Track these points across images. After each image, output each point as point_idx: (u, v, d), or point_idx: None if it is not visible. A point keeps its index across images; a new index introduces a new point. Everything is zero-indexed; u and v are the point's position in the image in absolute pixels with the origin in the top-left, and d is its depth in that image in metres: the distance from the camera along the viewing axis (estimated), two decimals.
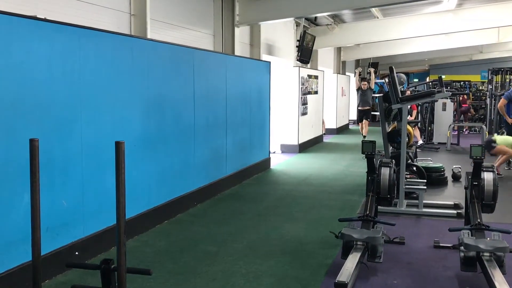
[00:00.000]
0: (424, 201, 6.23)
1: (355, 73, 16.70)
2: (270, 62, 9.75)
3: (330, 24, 14.12)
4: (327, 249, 4.76)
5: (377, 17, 13.93)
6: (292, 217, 6.01)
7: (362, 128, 14.56)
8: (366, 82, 14.35)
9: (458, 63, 25.64)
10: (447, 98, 12.94)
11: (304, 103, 12.52)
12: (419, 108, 13.59)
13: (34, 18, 3.90)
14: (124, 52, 4.95)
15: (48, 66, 3.95)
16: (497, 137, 8.74)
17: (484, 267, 3.76)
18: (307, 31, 13.13)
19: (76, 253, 4.25)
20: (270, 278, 4.07)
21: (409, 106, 10.87)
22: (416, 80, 28.24)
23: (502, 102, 9.54)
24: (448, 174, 8.25)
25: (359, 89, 14.47)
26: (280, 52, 12.29)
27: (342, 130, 18.08)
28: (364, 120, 14.50)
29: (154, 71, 5.47)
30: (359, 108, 14.46)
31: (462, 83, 23.66)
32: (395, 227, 4.85)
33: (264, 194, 7.37)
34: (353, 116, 21.16)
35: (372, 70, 15.45)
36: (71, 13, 5.38)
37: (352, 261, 3.90)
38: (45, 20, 4.03)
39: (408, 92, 10.23)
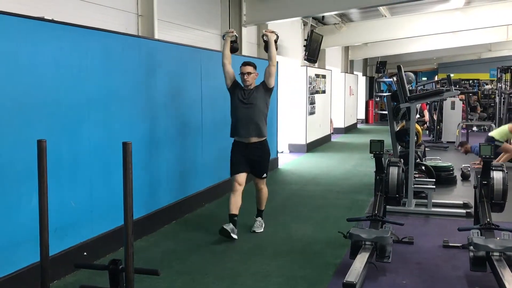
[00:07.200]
0: (433, 201, 6.20)
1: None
2: (277, 62, 9.71)
3: (338, 23, 14.06)
4: (335, 249, 4.75)
5: (385, 16, 13.86)
6: (300, 217, 6.00)
7: (233, 197, 5.18)
8: (252, 69, 5.24)
9: (467, 62, 25.47)
10: (455, 97, 12.87)
11: (312, 102, 12.49)
12: (427, 107, 13.54)
13: (42, 19, 3.91)
14: (131, 52, 4.96)
15: (56, 67, 3.96)
16: (493, 133, 8.82)
17: (494, 267, 3.73)
18: (314, 30, 13.08)
19: (85, 253, 4.26)
20: (278, 277, 4.06)
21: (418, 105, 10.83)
22: (424, 78, 28.12)
23: None
24: (457, 173, 8.20)
25: (234, 85, 5.29)
26: (287, 52, 12.26)
27: (350, 129, 18.03)
28: (244, 174, 5.27)
29: (161, 72, 5.47)
30: (236, 138, 5.35)
31: (471, 81, 23.53)
32: (404, 227, 4.82)
33: (272, 193, 7.34)
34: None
35: (272, 36, 5.30)
36: (78, 14, 5.39)
37: (360, 261, 3.88)
38: (52, 21, 4.04)
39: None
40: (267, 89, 5.27)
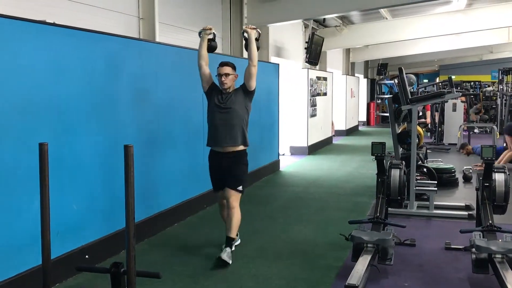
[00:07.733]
0: (435, 203, 6.19)
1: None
2: (278, 64, 9.74)
3: (339, 26, 14.08)
4: (337, 251, 4.74)
5: (386, 18, 13.88)
6: (301, 219, 5.99)
7: (224, 211, 4.84)
8: (231, 69, 4.61)
9: (468, 63, 25.50)
10: (457, 99, 12.87)
11: (313, 104, 12.49)
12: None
13: (44, 22, 3.92)
14: (133, 55, 4.97)
15: (58, 70, 3.96)
16: None
17: (496, 269, 3.72)
18: (315, 32, 13.10)
19: (86, 256, 4.26)
20: (279, 280, 4.05)
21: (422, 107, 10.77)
22: (425, 80, 28.12)
23: None
24: (459, 175, 8.19)
25: (211, 88, 4.72)
26: (288, 54, 12.28)
27: (352, 131, 18.03)
28: (227, 191, 4.59)
29: (163, 74, 5.48)
30: (212, 147, 4.76)
31: (472, 83, 23.52)
32: (406, 229, 4.82)
33: (274, 196, 7.36)
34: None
35: (252, 33, 4.67)
36: (80, 17, 5.40)
37: (362, 264, 3.88)
38: (54, 24, 4.05)
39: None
40: (247, 92, 4.64)
